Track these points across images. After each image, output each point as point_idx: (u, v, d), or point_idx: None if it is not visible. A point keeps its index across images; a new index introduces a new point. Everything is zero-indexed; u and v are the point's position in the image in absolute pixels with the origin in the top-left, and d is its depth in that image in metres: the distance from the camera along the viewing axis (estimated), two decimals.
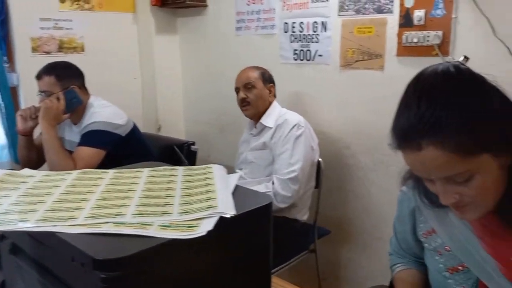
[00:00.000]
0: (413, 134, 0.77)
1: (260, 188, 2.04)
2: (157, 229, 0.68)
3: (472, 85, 0.78)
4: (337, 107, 2.36)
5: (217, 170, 0.97)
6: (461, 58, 0.89)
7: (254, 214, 0.80)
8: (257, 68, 2.23)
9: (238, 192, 0.86)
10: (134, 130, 2.21)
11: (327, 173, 2.36)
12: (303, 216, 2.18)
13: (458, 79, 0.78)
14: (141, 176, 0.94)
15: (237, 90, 2.21)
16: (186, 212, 0.74)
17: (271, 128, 2.14)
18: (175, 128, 3.23)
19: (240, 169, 2.26)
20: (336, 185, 2.44)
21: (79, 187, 0.89)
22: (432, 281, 1.01)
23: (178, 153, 2.34)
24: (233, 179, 0.91)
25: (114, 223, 0.70)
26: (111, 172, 0.98)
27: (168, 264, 0.67)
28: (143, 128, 2.98)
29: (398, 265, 1.14)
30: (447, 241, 0.93)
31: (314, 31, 2.37)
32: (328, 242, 2.47)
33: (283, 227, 2.08)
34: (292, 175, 2.01)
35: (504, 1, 1.74)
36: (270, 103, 2.20)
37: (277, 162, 2.07)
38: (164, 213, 0.75)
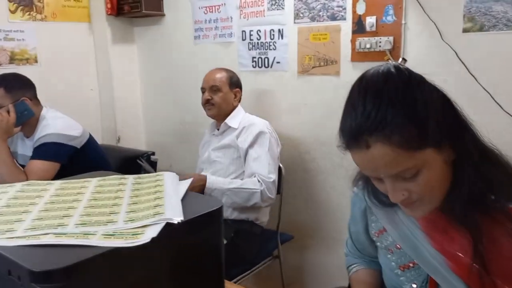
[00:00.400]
0: (360, 132, 0.78)
1: (251, 183, 2.01)
2: (100, 238, 0.66)
3: (412, 83, 0.80)
4: (296, 113, 2.38)
5: (168, 178, 0.95)
6: (400, 60, 0.92)
7: (203, 219, 0.79)
8: (226, 71, 2.22)
9: (189, 198, 0.85)
10: (90, 141, 2.16)
11: (288, 179, 2.37)
12: (264, 218, 2.18)
13: (399, 78, 0.80)
14: (89, 186, 0.92)
15: (203, 90, 2.20)
16: (131, 220, 0.73)
17: (236, 128, 2.15)
18: (135, 139, 3.17)
19: (202, 169, 2.25)
20: (298, 190, 2.45)
21: (21, 199, 0.85)
22: (386, 279, 1.02)
23: (142, 164, 2.30)
24: (184, 185, 0.90)
25: (55, 234, 0.67)
26: (57, 183, 0.95)
27: (112, 273, 0.65)
28: (102, 140, 2.92)
29: (354, 265, 1.16)
30: (397, 239, 0.95)
31: (271, 39, 2.39)
32: (292, 247, 2.47)
33: (246, 235, 2.08)
34: (272, 179, 2.02)
35: (450, 7, 1.81)
36: (234, 107, 2.20)
37: (255, 164, 2.05)
38: (108, 221, 0.73)
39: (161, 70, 3.03)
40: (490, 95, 1.75)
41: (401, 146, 0.76)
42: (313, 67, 2.25)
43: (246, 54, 2.52)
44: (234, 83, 2.20)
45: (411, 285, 0.95)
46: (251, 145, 2.07)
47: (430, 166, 0.80)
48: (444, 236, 0.88)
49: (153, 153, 2.44)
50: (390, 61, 1.59)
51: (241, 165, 2.11)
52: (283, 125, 2.43)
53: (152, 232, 0.67)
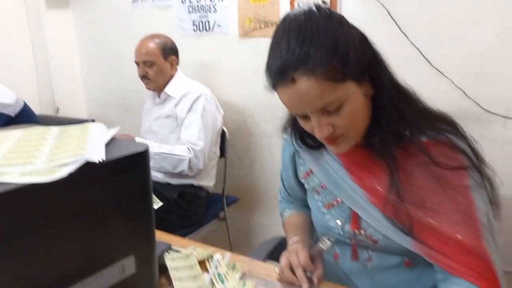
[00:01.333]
0: (286, 69, 0.81)
1: (180, 150, 2.00)
2: (15, 176, 0.65)
3: (332, 20, 0.83)
4: (239, 77, 2.38)
5: (94, 126, 0.94)
6: (320, 1, 0.94)
7: (127, 161, 0.78)
8: (159, 38, 2.15)
9: (114, 143, 0.84)
10: (25, 110, 2.07)
11: (232, 143, 2.39)
12: (209, 182, 2.19)
13: (320, 16, 0.83)
14: (10, 136, 0.89)
15: (137, 64, 2.15)
16: (51, 161, 0.71)
17: (175, 97, 2.12)
18: (76, 110, 3.07)
19: (145, 138, 2.22)
20: (243, 154, 2.48)
21: None
22: (314, 219, 1.07)
23: None
24: (111, 132, 0.89)
25: None
26: None
27: (30, 211, 0.64)
28: (40, 111, 2.81)
29: (287, 210, 1.20)
30: (323, 179, 1.00)
31: (211, 1, 2.36)
32: (238, 210, 2.51)
33: (191, 197, 2.09)
34: (201, 147, 2.01)
35: None
36: (172, 76, 2.16)
37: (186, 132, 2.05)
38: (27, 163, 0.71)
39: (99, 37, 2.92)
40: (420, 52, 1.82)
41: (325, 78, 0.80)
42: (253, 30, 2.25)
43: (186, 18, 2.47)
44: (168, 51, 2.14)
45: (336, 222, 1.00)
46: (187, 113, 2.06)
47: (352, 99, 0.84)
48: (364, 172, 0.93)
49: (93, 120, 2.38)
50: None
51: None
52: (226, 89, 2.43)
53: (69, 169, 0.66)
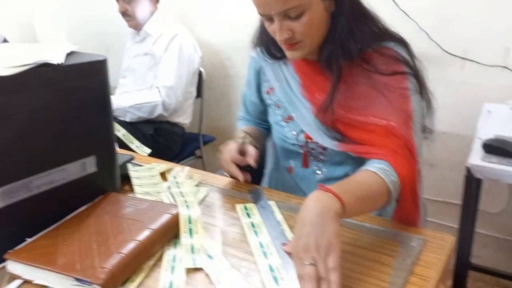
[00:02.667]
0: None
1: (150, 95, 2.09)
2: None
3: None
4: (217, 18, 2.42)
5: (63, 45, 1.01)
6: None
7: (86, 67, 0.87)
8: None
9: (76, 53, 0.92)
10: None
11: (210, 85, 2.47)
12: (185, 120, 2.28)
13: None
14: None
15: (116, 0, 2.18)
16: (13, 67, 0.79)
17: (153, 36, 2.18)
18: None
19: (124, 76, 2.29)
20: (220, 96, 2.56)
21: None
22: (274, 133, 1.18)
23: None
24: (74, 47, 0.96)
25: None
26: None
27: None
28: None
29: (242, 124, 1.30)
30: (280, 95, 1.10)
31: None
32: (214, 149, 2.61)
33: (167, 133, 2.18)
34: (172, 84, 2.08)
35: None
36: (153, 12, 2.21)
37: (161, 70, 2.12)
38: None
39: None
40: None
41: None
42: None
43: None
44: None
45: (292, 133, 1.11)
46: (164, 52, 2.12)
47: (313, 9, 0.93)
48: (311, 83, 1.03)
49: None
50: None
51: None
52: (205, 30, 2.47)
53: (29, 66, 0.74)
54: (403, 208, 0.93)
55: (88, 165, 0.92)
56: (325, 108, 0.98)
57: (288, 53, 1.01)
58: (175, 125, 2.22)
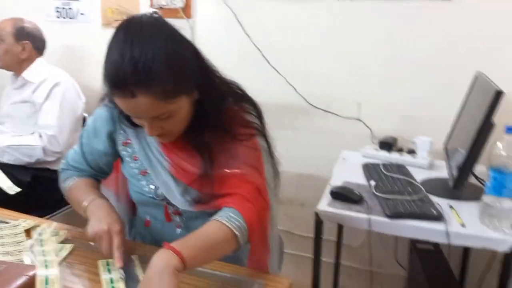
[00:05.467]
0: (128, 83, 0.91)
1: (31, 139, 2.05)
2: None
3: (169, 33, 0.96)
4: (102, 63, 2.45)
5: None
6: (152, 10, 1.08)
7: None
8: (18, 21, 2.16)
9: None
10: None
11: None
12: None
13: (158, 27, 0.96)
14: None
15: None
16: None
17: (34, 83, 2.15)
18: None
19: (3, 122, 2.21)
20: None
21: None
22: (131, 186, 1.20)
23: None
24: None
25: None
26: None
27: None
28: None
29: (74, 177, 1.24)
30: (137, 150, 1.14)
31: None
32: None
33: (46, 180, 2.13)
34: (54, 132, 2.07)
35: None
36: (22, 60, 2.17)
37: (42, 118, 2.09)
38: None
39: None
40: (261, 52, 2.08)
41: (161, 98, 0.93)
42: (115, 20, 2.35)
43: (50, 4, 2.48)
44: (24, 35, 2.15)
45: (150, 187, 1.15)
46: (45, 100, 2.11)
47: (181, 109, 0.99)
48: (179, 153, 1.10)
49: None
50: (191, 21, 1.78)
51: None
52: (91, 76, 2.48)
53: None
54: (255, 250, 1.03)
55: None
56: (198, 177, 1.06)
57: (157, 138, 1.07)
58: (55, 172, 2.17)
